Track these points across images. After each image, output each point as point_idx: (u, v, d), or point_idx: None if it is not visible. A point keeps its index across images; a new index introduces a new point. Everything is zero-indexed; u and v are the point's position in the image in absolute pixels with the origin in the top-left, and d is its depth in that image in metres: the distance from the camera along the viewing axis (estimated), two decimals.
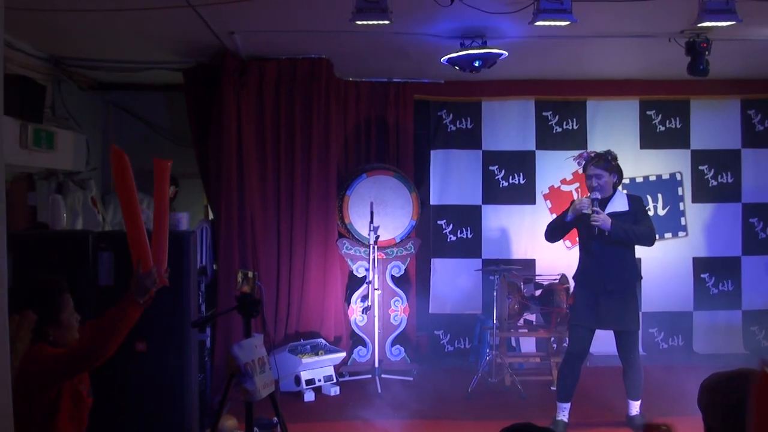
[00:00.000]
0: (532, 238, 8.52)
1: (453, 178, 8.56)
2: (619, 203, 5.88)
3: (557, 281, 7.58)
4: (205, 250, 6.94)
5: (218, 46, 6.86)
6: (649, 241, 5.87)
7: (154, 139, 8.56)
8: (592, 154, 6.02)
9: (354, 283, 7.81)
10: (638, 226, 5.77)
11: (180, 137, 8.37)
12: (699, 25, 5.58)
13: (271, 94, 7.35)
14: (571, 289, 6.27)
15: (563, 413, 5.96)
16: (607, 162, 5.84)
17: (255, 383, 4.23)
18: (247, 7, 5.35)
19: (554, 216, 8.39)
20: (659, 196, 8.65)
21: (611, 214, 5.75)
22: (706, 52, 6.27)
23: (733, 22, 5.35)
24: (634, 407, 6.05)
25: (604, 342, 6.58)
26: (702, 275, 8.67)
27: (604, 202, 5.84)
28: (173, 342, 5.46)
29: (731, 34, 6.20)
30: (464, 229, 8.58)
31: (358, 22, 5.29)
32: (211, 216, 7.74)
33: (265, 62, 7.30)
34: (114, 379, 4.97)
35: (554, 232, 6.11)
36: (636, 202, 5.98)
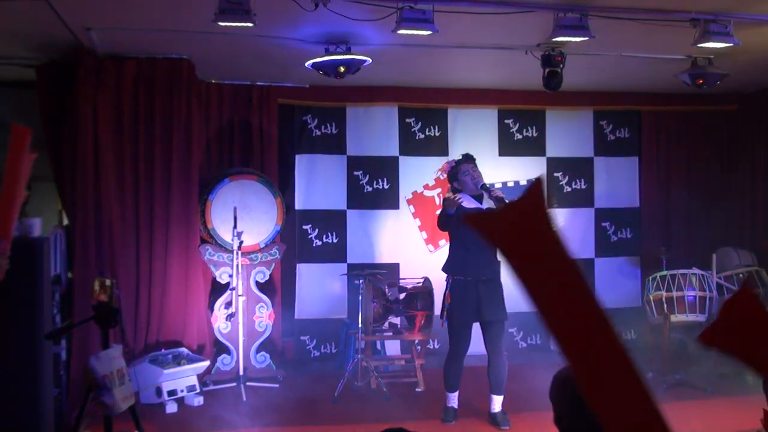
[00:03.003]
0: (396, 243, 8.67)
1: (318, 182, 8.56)
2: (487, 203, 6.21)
3: (421, 284, 7.72)
4: (59, 258, 6.61)
5: (73, 43, 6.55)
6: None
7: (2, 139, 8.08)
8: (457, 159, 6.47)
9: (217, 289, 7.66)
10: None
11: (32, 138, 7.94)
12: (554, 39, 5.85)
13: (130, 94, 7.10)
14: (445, 287, 6.41)
15: (452, 401, 6.28)
16: (475, 162, 6.33)
17: (114, 396, 4.09)
18: (105, 3, 5.16)
19: (417, 221, 8.65)
20: None
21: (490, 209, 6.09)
22: (561, 65, 6.56)
23: (586, 38, 5.64)
24: (497, 403, 6.25)
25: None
26: None
27: (479, 198, 6.19)
28: (26, 356, 5.18)
29: (584, 49, 6.52)
30: (329, 234, 8.60)
31: (221, 24, 5.20)
32: (65, 222, 7.39)
33: (124, 61, 7.04)
34: None
35: (444, 225, 6.24)
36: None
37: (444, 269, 6.32)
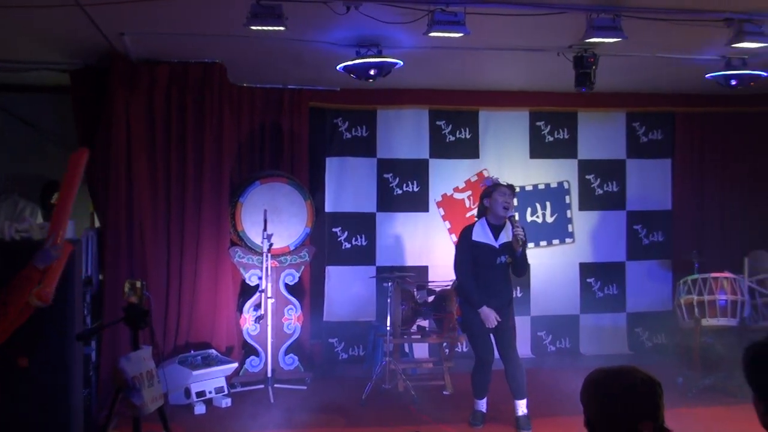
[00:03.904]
0: (426, 245, 8.65)
1: (348, 185, 8.56)
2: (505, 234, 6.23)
3: (449, 287, 7.68)
4: (91, 260, 6.69)
5: (107, 48, 6.63)
6: (525, 274, 6.57)
7: (39, 142, 8.23)
8: (498, 180, 6.48)
9: (247, 291, 7.69)
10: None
11: (66, 141, 8.04)
12: (586, 40, 5.79)
13: (162, 98, 7.16)
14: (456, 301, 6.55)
15: (481, 406, 6.34)
16: (515, 192, 6.34)
17: (143, 397, 4.12)
18: (138, 8, 5.19)
19: (447, 224, 8.59)
20: (547, 204, 8.91)
21: (505, 244, 6.17)
22: (593, 67, 6.49)
23: (619, 39, 5.58)
24: (521, 407, 6.23)
25: None
26: (588, 280, 8.99)
27: (499, 229, 6.19)
28: (57, 356, 5.23)
29: (617, 50, 6.45)
30: (359, 237, 8.60)
31: (253, 28, 5.22)
32: (97, 224, 7.47)
33: (157, 65, 7.11)
34: None
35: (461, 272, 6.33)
36: None
37: (456, 288, 6.38)
